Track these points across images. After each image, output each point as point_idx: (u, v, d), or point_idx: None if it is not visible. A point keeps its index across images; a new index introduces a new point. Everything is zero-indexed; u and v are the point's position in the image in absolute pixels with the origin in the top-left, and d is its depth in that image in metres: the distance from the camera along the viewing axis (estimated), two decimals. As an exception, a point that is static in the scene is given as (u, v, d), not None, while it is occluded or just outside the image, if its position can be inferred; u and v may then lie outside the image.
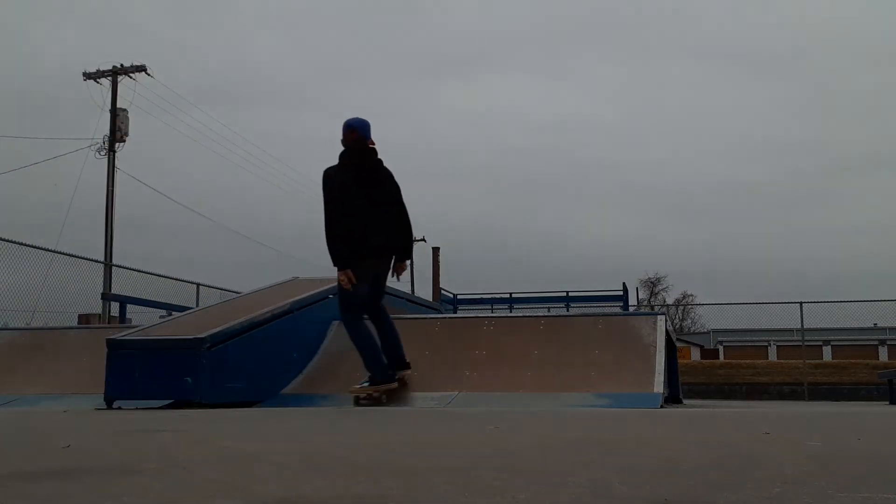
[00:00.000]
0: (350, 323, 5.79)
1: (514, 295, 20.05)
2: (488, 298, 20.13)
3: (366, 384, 5.70)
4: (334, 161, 5.85)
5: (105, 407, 5.60)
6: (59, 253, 14.00)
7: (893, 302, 20.95)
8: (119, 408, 5.57)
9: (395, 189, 5.91)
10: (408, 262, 6.07)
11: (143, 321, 9.67)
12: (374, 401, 5.64)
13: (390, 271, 5.98)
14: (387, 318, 5.97)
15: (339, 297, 5.83)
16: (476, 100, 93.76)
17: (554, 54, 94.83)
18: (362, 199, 5.69)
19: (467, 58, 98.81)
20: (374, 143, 5.88)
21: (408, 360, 5.97)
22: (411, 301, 10.38)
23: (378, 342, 5.80)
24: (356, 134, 5.79)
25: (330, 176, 5.68)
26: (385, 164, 5.92)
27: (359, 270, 5.64)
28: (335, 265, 5.66)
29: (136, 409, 5.41)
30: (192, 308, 10.90)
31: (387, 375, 5.76)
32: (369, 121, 5.92)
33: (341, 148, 5.89)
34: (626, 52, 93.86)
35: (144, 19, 72.44)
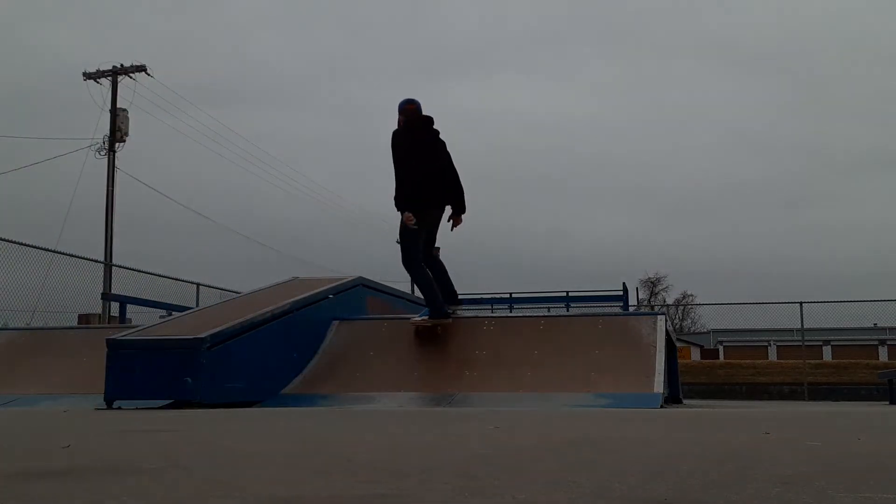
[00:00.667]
0: (412, 268, 6.82)
1: (514, 295, 20.03)
2: (488, 298, 20.11)
3: (425, 317, 6.84)
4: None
5: (105, 407, 5.60)
6: (59, 253, 14.00)
7: (893, 302, 20.95)
8: (119, 408, 5.57)
9: (447, 154, 6.94)
10: (462, 216, 7.00)
11: (143, 321, 9.66)
12: (429, 330, 6.82)
13: (447, 222, 6.96)
14: (440, 263, 7.13)
15: (402, 244, 6.81)
16: (476, 99, 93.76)
17: (554, 54, 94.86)
18: (421, 157, 6.70)
19: (467, 57, 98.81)
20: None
21: (458, 294, 7.18)
22: (411, 301, 10.38)
23: (434, 284, 6.84)
24: (414, 105, 6.85)
25: (396, 135, 6.72)
26: (441, 135, 6.94)
27: (419, 214, 6.61)
28: (399, 209, 6.65)
29: (136, 409, 5.41)
30: (192, 308, 10.90)
31: (442, 311, 6.83)
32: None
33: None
34: (626, 51, 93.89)
35: (144, 19, 72.45)
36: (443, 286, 6.97)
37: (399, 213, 6.67)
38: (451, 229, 7.07)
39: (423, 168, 6.69)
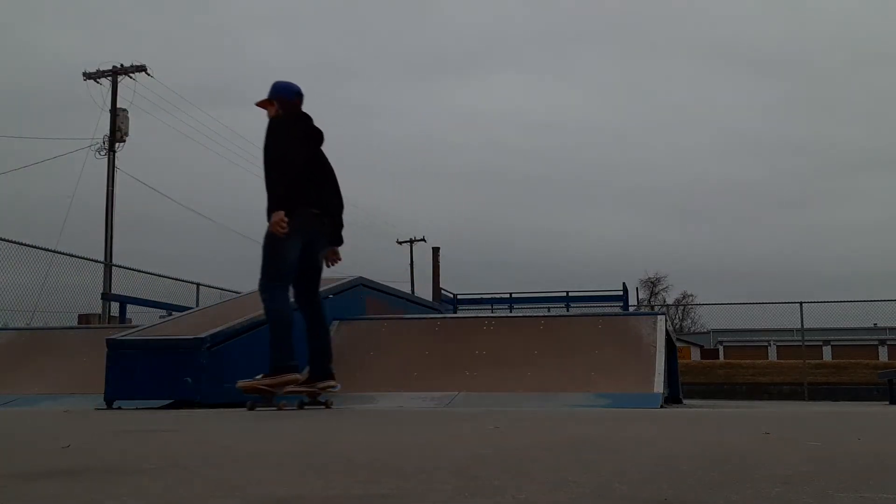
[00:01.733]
0: (270, 292, 5.09)
1: (514, 295, 20.06)
2: (488, 298, 20.14)
3: (260, 377, 5.03)
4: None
5: (105, 407, 5.60)
6: (59, 253, 14.01)
7: (893, 302, 20.97)
8: (119, 408, 5.57)
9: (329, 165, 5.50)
10: (339, 248, 5.51)
11: (143, 321, 9.67)
12: (268, 401, 4.96)
13: (322, 256, 5.43)
14: (321, 314, 5.41)
15: (265, 259, 5.14)
16: (476, 99, 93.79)
17: (554, 54, 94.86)
18: (307, 153, 5.28)
19: (467, 57, 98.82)
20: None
21: (334, 374, 5.37)
22: (411, 301, 10.38)
23: (291, 328, 5.11)
24: (300, 99, 5.44)
25: (284, 123, 5.28)
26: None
27: (295, 219, 5.03)
28: (274, 208, 5.04)
29: (136, 409, 5.41)
30: (192, 308, 10.90)
31: (290, 364, 5.05)
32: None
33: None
34: (626, 51, 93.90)
35: (145, 19, 72.43)
36: (317, 351, 5.34)
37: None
38: (328, 263, 5.55)
39: (312, 168, 5.27)
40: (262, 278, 5.14)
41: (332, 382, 5.36)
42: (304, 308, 5.36)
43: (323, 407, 5.22)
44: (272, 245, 5.07)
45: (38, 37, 71.27)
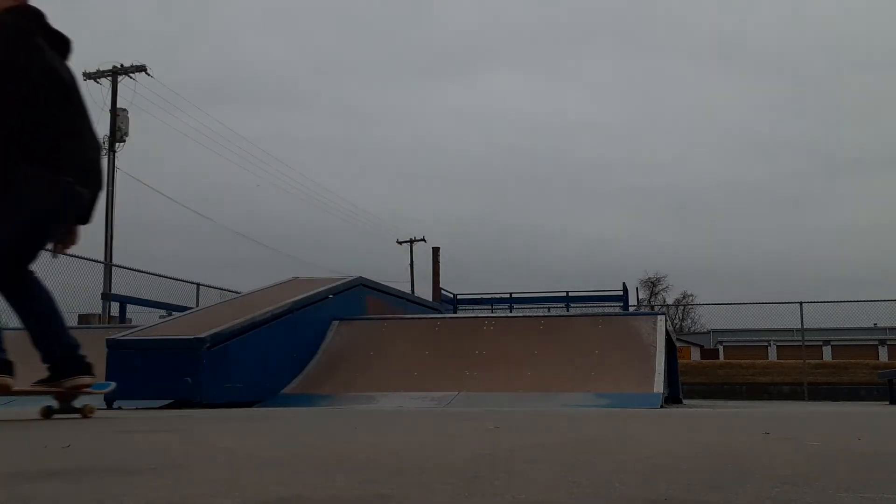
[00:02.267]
0: (15, 275, 3.83)
1: (514, 295, 20.06)
2: (488, 298, 20.14)
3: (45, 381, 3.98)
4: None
5: (105, 407, 5.60)
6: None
7: (893, 302, 20.97)
8: (119, 408, 5.57)
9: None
10: (81, 227, 4.05)
11: (143, 321, 9.67)
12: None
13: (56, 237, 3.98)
14: (38, 292, 3.99)
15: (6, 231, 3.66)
16: (475, 99, 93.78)
17: (554, 53, 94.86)
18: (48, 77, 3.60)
19: (465, 57, 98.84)
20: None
21: (90, 367, 3.99)
22: (411, 301, 10.39)
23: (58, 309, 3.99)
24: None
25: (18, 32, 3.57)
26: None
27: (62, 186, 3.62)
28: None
29: (136, 409, 5.41)
30: (192, 308, 10.90)
31: (74, 366, 3.92)
32: None
33: None
34: (626, 50, 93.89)
35: (144, 19, 72.40)
36: (41, 336, 4.06)
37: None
38: (56, 252, 4.20)
39: (66, 114, 3.64)
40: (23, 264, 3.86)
41: (86, 379, 3.92)
42: (11, 295, 3.91)
43: (79, 416, 3.91)
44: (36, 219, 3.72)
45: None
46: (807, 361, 20.07)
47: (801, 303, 19.62)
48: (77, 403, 3.97)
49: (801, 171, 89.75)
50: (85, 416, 3.85)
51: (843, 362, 23.68)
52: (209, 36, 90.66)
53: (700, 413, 5.24)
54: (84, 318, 14.02)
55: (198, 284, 16.25)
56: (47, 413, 3.90)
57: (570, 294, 19.08)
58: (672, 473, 1.80)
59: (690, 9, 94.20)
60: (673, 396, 7.68)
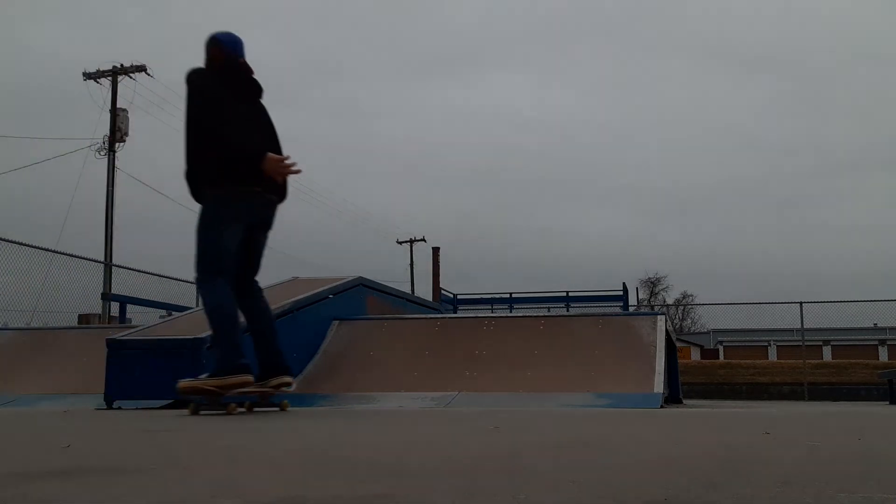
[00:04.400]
0: (209, 285, 4.43)
1: (514, 295, 20.05)
2: (488, 298, 20.14)
3: (204, 376, 4.39)
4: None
5: (105, 407, 5.60)
6: (59, 253, 14.00)
7: (893, 302, 20.98)
8: (119, 408, 5.57)
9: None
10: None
11: (143, 321, 9.67)
12: (214, 404, 4.32)
13: (264, 240, 4.70)
14: (264, 304, 4.72)
15: (200, 250, 4.42)
16: (474, 98, 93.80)
17: (553, 53, 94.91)
18: (254, 119, 4.61)
19: (464, 56, 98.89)
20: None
21: (289, 370, 4.71)
22: (411, 301, 10.39)
23: (237, 318, 4.49)
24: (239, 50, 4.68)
25: (208, 76, 4.55)
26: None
27: (236, 200, 4.41)
28: (211, 181, 4.38)
29: (136, 409, 5.41)
30: (192, 308, 10.90)
31: (239, 363, 4.35)
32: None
33: None
34: (625, 50, 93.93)
35: (144, 19, 72.43)
36: (261, 342, 4.65)
37: (198, 200, 4.51)
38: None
39: (255, 134, 4.55)
40: (197, 271, 4.44)
41: (286, 379, 4.65)
42: (242, 299, 4.57)
43: (277, 409, 4.66)
44: (208, 233, 4.39)
45: (38, 37, 71.33)
46: (807, 361, 20.07)
47: (801, 303, 19.63)
48: (274, 399, 4.72)
49: (802, 170, 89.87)
50: (282, 409, 4.68)
51: (843, 362, 23.68)
52: (207, 34, 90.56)
53: (700, 413, 5.24)
54: (84, 318, 14.02)
55: (198, 284, 16.21)
56: (251, 407, 4.58)
57: (570, 294, 19.08)
58: (672, 473, 1.80)
59: (690, 8, 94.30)
60: (673, 396, 7.68)
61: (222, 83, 4.52)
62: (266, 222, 4.66)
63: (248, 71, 4.68)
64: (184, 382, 4.36)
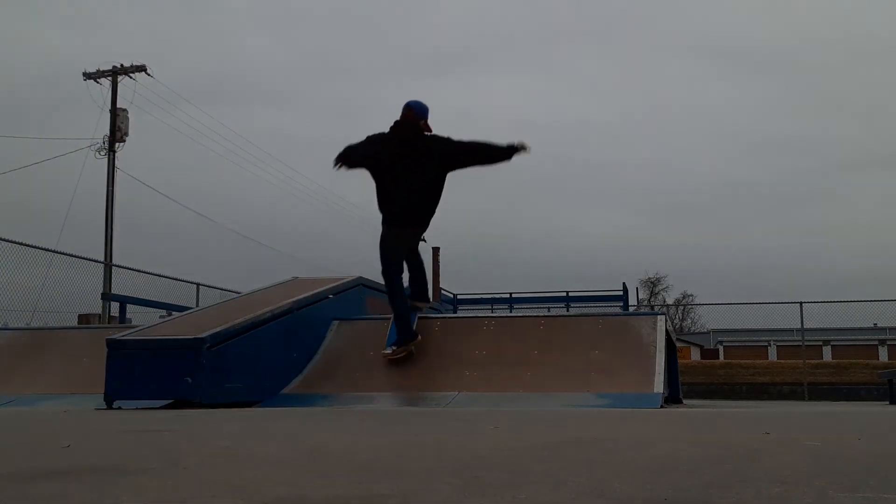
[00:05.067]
0: (391, 281, 6.61)
1: (514, 295, 20.04)
2: (488, 298, 20.13)
3: (393, 347, 6.44)
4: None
5: (105, 407, 5.60)
6: (59, 253, 14.00)
7: (893, 302, 20.98)
8: (119, 408, 5.57)
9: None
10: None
11: (143, 321, 9.66)
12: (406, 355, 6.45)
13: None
14: (418, 261, 7.10)
15: (385, 258, 6.57)
16: (474, 98, 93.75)
17: (553, 52, 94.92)
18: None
19: (463, 56, 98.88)
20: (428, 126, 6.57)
21: (428, 297, 7.29)
22: (411, 301, 10.35)
23: (407, 303, 6.69)
24: (413, 112, 6.50)
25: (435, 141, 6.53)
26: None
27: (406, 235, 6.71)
28: (421, 224, 6.77)
29: (136, 409, 5.41)
30: (192, 308, 10.90)
31: (412, 333, 6.53)
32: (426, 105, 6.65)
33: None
34: (625, 49, 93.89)
35: (144, 19, 72.41)
36: (414, 281, 7.09)
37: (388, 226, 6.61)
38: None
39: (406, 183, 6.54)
40: (384, 271, 6.59)
41: (419, 304, 7.06)
42: (408, 261, 6.88)
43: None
44: (389, 251, 6.55)
45: (38, 37, 71.27)
46: (807, 361, 20.06)
47: (801, 303, 19.63)
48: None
49: (802, 170, 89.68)
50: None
51: (843, 362, 23.68)
52: (208, 34, 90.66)
53: (700, 413, 5.25)
54: (84, 318, 14.01)
55: (198, 284, 16.23)
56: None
57: (570, 294, 19.06)
58: (672, 473, 1.80)
59: (690, 7, 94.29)
60: (673, 396, 7.68)
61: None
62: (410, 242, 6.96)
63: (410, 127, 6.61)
64: (387, 353, 6.44)
